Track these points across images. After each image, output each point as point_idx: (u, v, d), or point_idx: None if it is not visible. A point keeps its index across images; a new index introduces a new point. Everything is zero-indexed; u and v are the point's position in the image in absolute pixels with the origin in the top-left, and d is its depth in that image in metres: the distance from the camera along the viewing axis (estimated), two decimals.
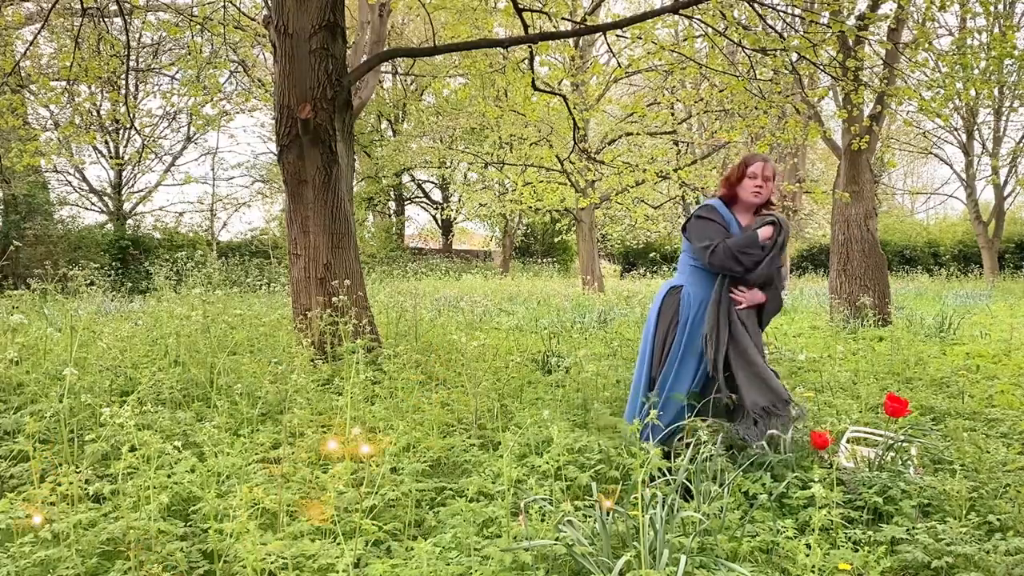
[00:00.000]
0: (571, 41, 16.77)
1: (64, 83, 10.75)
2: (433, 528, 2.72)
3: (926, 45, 7.89)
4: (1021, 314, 11.37)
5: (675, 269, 3.97)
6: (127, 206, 24.13)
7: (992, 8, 7.93)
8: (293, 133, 5.60)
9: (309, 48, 5.60)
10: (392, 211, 32.91)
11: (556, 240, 31.37)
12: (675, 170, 15.96)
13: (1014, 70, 15.70)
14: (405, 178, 31.84)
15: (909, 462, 3.23)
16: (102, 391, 3.95)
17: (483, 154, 19.91)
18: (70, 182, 24.55)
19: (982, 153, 22.98)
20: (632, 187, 16.91)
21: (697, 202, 23.08)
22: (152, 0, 12.00)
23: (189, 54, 9.76)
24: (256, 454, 3.09)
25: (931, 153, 25.77)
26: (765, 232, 3.44)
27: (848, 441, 3.44)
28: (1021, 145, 22.55)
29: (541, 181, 17.50)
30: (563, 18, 8.82)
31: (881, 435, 3.44)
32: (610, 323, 9.12)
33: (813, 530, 2.16)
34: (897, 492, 2.86)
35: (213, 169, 30.86)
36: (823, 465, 3.00)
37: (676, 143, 20.25)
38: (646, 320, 3.74)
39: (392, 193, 32.10)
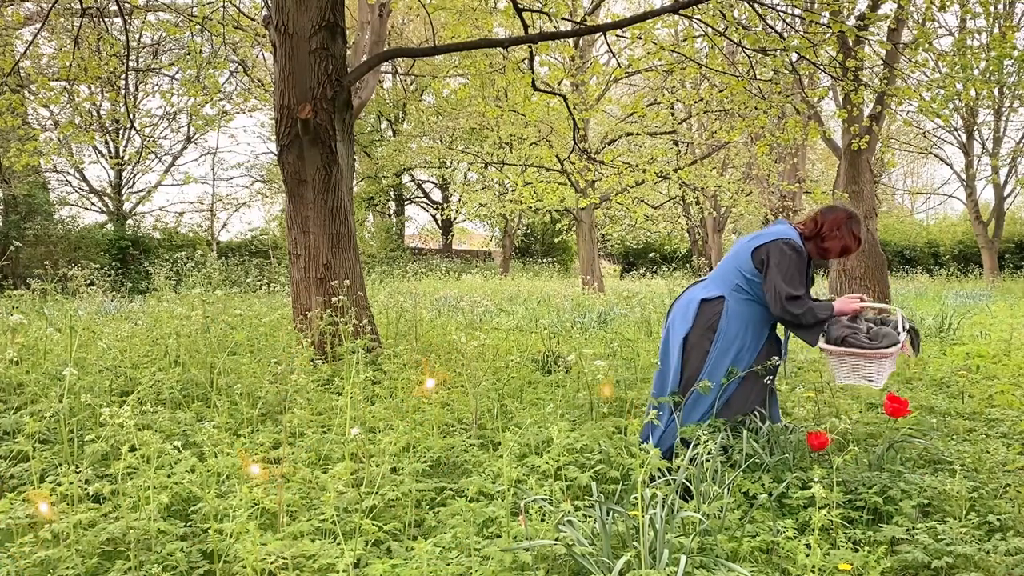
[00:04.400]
0: (571, 41, 16.76)
1: (64, 83, 10.75)
2: (433, 528, 2.72)
3: (926, 45, 7.89)
4: (1021, 314, 11.37)
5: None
6: (127, 206, 24.13)
7: (992, 8, 7.92)
8: (293, 133, 5.60)
9: (309, 48, 5.60)
10: (392, 211, 32.92)
11: (556, 240, 31.38)
12: (675, 170, 15.97)
13: (1014, 70, 15.70)
14: (405, 178, 31.85)
15: (896, 329, 3.28)
16: (102, 391, 3.95)
17: (483, 154, 19.91)
18: (70, 182, 24.56)
19: (982, 153, 23.00)
20: (632, 187, 16.91)
21: (697, 202, 23.09)
22: (152, 0, 12.00)
23: (189, 54, 9.76)
24: (256, 454, 3.09)
25: (931, 153, 25.80)
26: (848, 306, 3.38)
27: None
28: (1021, 145, 22.57)
29: (541, 181, 17.49)
30: (563, 18, 8.82)
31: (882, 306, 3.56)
32: (610, 323, 9.12)
33: (813, 530, 2.16)
34: (897, 492, 2.87)
35: (213, 169, 30.89)
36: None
37: (676, 143, 20.25)
38: (668, 324, 3.61)
39: (392, 193, 32.11)
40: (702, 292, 3.51)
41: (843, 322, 3.40)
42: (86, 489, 2.50)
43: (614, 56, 10.89)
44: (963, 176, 22.82)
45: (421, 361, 4.73)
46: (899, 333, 3.31)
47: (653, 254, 28.70)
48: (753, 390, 3.43)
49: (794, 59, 8.33)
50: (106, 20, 10.98)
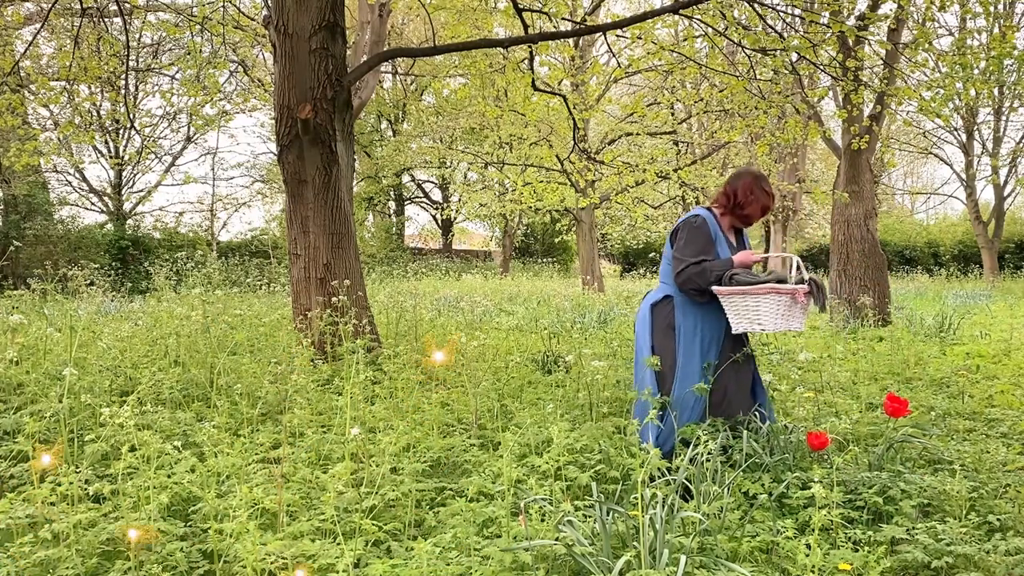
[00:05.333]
0: (571, 41, 16.76)
1: (64, 83, 10.75)
2: (433, 528, 2.72)
3: (926, 45, 7.89)
4: (1021, 314, 11.37)
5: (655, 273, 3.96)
6: (127, 206, 24.12)
7: (992, 8, 7.92)
8: (293, 133, 5.60)
9: (309, 48, 5.60)
10: (392, 211, 32.91)
11: (556, 240, 31.37)
12: (675, 170, 15.96)
13: (1014, 70, 15.69)
14: (405, 178, 31.84)
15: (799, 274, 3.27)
16: (102, 391, 3.94)
17: (483, 154, 19.91)
18: (70, 182, 24.56)
19: (982, 153, 23.00)
20: (632, 187, 16.91)
21: (697, 202, 23.08)
22: (152, 0, 12.00)
23: (189, 54, 9.76)
24: (256, 454, 3.09)
25: (931, 153, 25.79)
26: (748, 258, 3.39)
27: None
28: (1021, 145, 22.56)
29: (541, 181, 17.49)
30: (563, 18, 8.81)
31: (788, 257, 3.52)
32: (610, 323, 9.12)
33: (813, 530, 2.16)
34: (897, 492, 2.86)
35: (213, 169, 30.89)
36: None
37: (676, 143, 20.25)
38: (636, 336, 3.68)
39: (392, 193, 32.10)
40: (651, 298, 3.62)
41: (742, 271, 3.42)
42: (86, 489, 2.50)
43: (614, 56, 10.88)
44: (963, 176, 22.81)
45: (421, 361, 4.73)
46: (800, 280, 3.29)
47: (653, 254, 28.68)
48: (731, 383, 3.45)
49: (794, 59, 8.33)
50: (106, 20, 10.98)
